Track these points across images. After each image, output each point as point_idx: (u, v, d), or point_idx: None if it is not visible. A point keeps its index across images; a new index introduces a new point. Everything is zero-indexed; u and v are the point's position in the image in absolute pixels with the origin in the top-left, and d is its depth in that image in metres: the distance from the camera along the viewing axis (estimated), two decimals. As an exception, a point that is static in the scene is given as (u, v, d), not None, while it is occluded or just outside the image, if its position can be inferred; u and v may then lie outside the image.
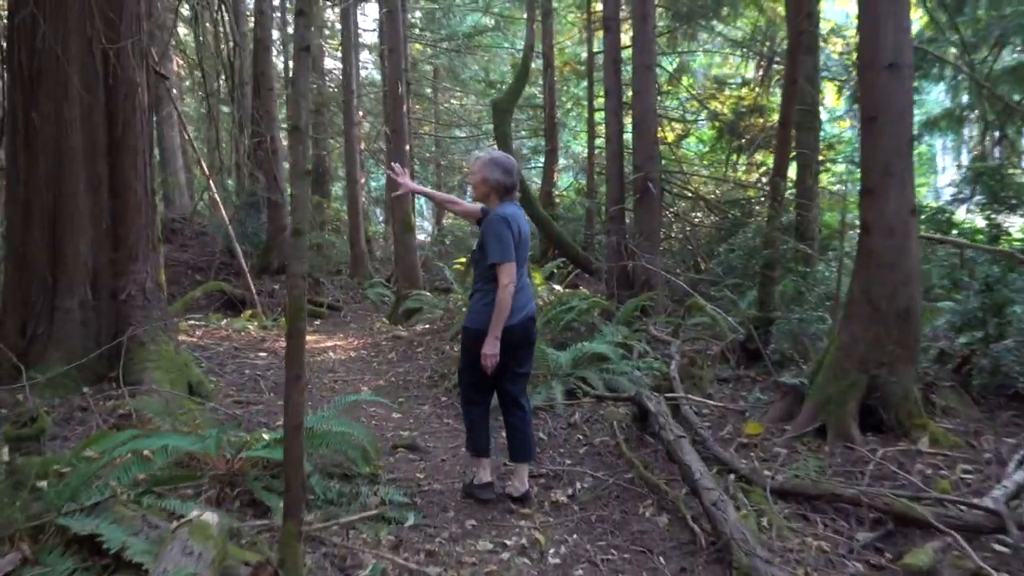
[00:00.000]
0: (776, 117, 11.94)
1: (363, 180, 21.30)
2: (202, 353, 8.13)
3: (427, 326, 9.93)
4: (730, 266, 9.43)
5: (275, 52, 16.20)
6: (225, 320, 11.03)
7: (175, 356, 5.78)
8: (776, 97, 12.97)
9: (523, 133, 21.18)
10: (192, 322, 9.69)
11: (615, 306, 8.56)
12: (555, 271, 11.79)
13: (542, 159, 16.39)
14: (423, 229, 26.76)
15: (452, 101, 25.25)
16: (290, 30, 23.01)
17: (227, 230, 11.92)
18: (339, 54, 22.10)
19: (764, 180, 12.31)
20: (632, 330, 7.80)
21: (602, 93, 11.25)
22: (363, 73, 22.44)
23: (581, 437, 5.25)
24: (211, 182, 11.83)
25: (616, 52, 9.95)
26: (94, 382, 5.53)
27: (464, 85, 21.08)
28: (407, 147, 10.42)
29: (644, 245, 9.12)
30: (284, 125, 21.14)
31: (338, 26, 18.56)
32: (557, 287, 10.92)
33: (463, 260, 12.66)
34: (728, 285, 9.55)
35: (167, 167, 17.45)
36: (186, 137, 11.29)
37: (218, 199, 11.97)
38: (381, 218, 25.81)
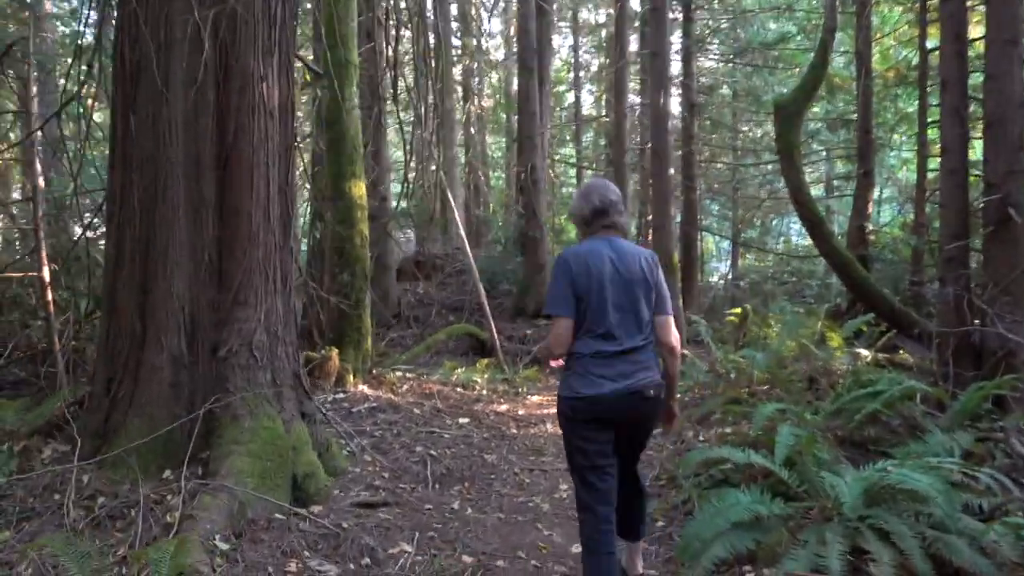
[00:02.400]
0: None
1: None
2: (391, 415, 6.77)
3: (679, 395, 7.65)
4: None
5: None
6: (460, 369, 9.76)
7: (281, 435, 4.30)
8: None
9: (836, 153, 17.92)
10: (400, 373, 8.43)
11: (950, 392, 5.70)
12: (863, 329, 8.84)
13: (854, 186, 13.24)
14: (716, 270, 24.15)
15: (756, 129, 22.48)
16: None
17: (472, 267, 10.75)
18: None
19: None
20: (978, 437, 4.94)
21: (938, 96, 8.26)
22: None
23: (868, 671, 2.81)
24: (457, 215, 10.74)
25: (959, 26, 6.99)
26: (179, 464, 4.24)
27: (764, 107, 18.28)
28: (671, 171, 8.33)
29: (1001, 301, 6.10)
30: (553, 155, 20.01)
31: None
32: (864, 352, 8.05)
33: (738, 311, 10.19)
34: None
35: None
36: (434, 168, 10.30)
37: (463, 233, 10.84)
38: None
